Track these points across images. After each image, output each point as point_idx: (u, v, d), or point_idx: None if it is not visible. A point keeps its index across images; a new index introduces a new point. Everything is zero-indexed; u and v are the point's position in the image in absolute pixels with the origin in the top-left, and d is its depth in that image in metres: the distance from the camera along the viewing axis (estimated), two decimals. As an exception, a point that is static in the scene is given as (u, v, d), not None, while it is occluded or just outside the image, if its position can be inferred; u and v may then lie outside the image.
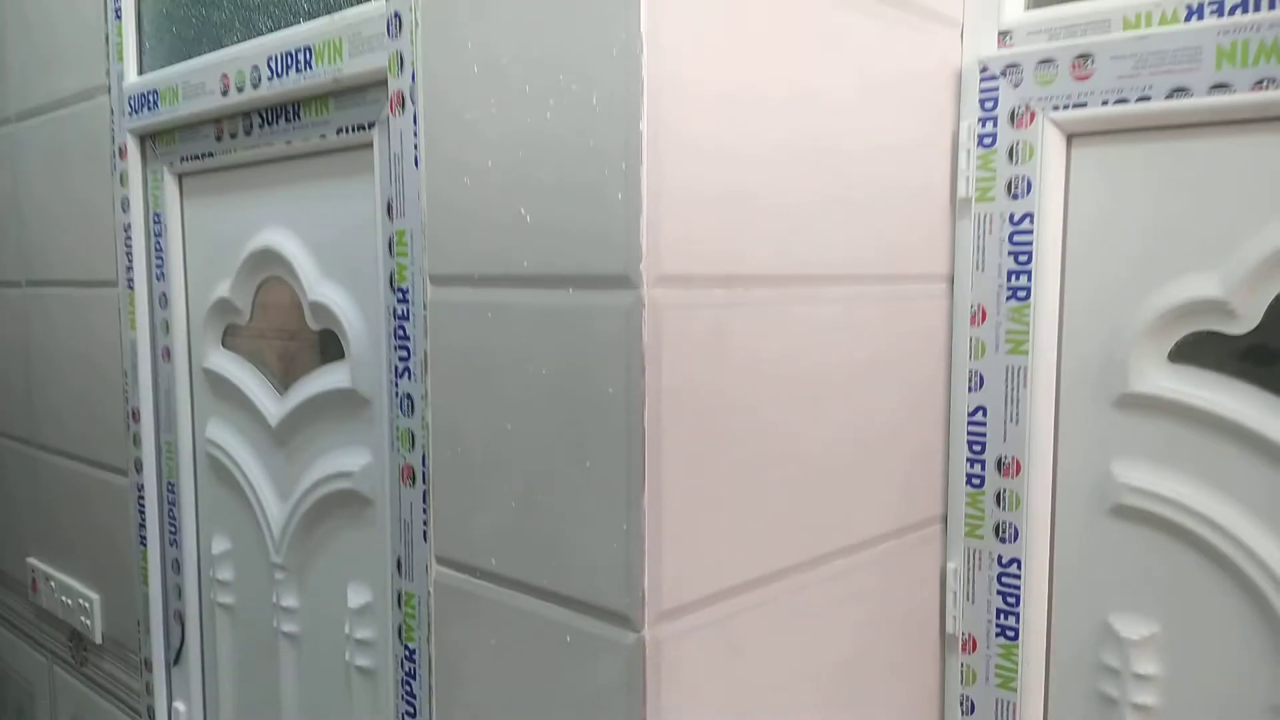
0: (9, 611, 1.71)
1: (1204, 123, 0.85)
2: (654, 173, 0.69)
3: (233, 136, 1.10)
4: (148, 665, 1.32)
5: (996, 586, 1.00)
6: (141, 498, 1.30)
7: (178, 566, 1.29)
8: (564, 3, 0.72)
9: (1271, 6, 0.82)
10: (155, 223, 1.24)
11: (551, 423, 0.77)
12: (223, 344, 1.21)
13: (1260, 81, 0.81)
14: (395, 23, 0.85)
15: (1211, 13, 0.84)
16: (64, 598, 1.50)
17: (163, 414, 1.28)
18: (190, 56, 1.13)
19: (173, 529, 1.29)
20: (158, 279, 1.25)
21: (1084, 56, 0.89)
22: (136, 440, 1.29)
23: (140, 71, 1.22)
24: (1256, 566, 0.86)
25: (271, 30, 1.03)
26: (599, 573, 0.75)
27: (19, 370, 1.56)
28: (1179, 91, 0.85)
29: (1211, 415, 0.87)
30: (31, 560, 1.59)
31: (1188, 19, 0.85)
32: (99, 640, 1.44)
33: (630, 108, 0.69)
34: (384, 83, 0.88)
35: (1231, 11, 0.83)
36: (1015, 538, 0.98)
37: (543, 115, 0.74)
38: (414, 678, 0.93)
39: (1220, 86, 0.83)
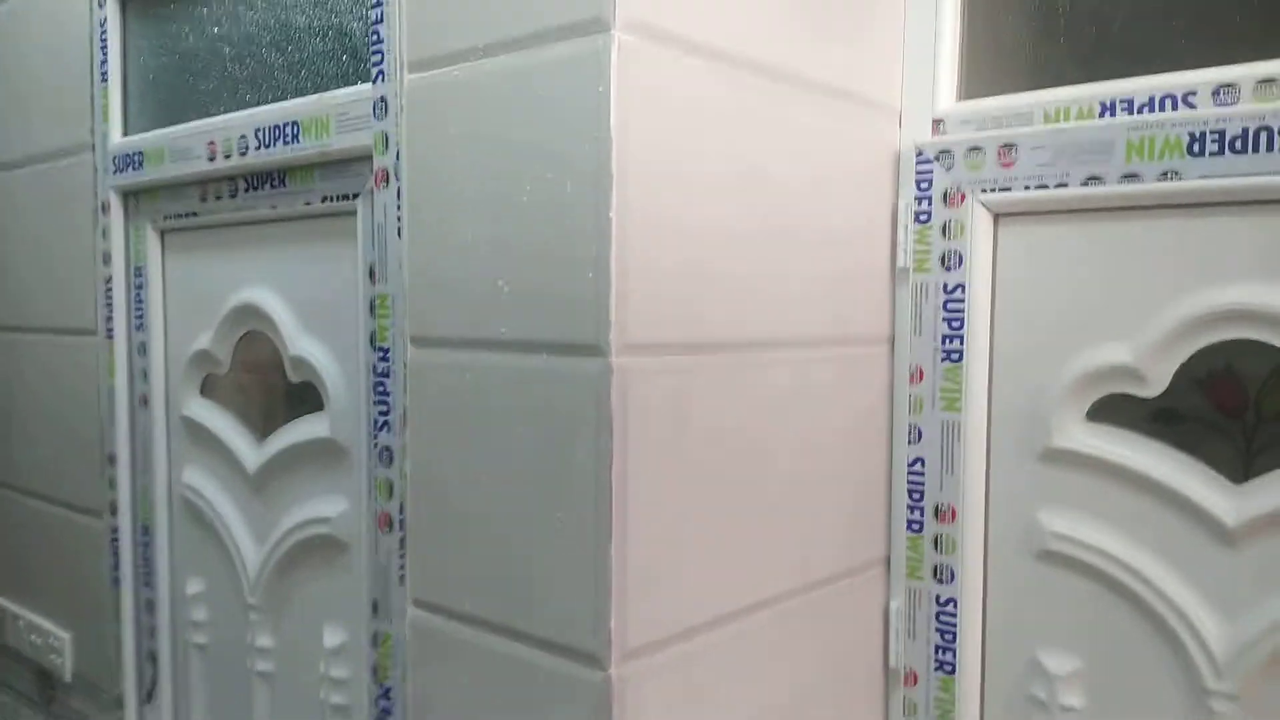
0: (-28, 651, 1.72)
1: (1116, 208, 0.95)
2: (621, 253, 0.77)
3: (217, 198, 1.15)
4: (120, 703, 1.35)
5: (935, 624, 1.08)
6: (116, 540, 1.33)
7: (151, 607, 1.32)
8: (541, 98, 0.80)
9: (1175, 107, 0.92)
10: (136, 275, 1.28)
11: (525, 477, 0.83)
12: (201, 393, 1.26)
13: (1165, 173, 0.91)
14: (382, 106, 0.92)
15: (1122, 110, 0.94)
16: (33, 637, 1.52)
17: (139, 459, 1.32)
18: (175, 121, 1.19)
19: (146, 570, 1.33)
20: (137, 329, 1.29)
21: (1008, 145, 0.98)
22: (112, 484, 1.33)
23: (125, 132, 1.28)
24: (1168, 607, 0.95)
25: (256, 102, 1.09)
26: (569, 616, 0.81)
27: (-8, 413, 1.59)
28: (1093, 179, 0.94)
29: (1125, 470, 0.96)
30: (1, 600, 1.61)
31: (1101, 115, 0.95)
32: (69, 679, 1.46)
33: (601, 194, 0.76)
34: (369, 158, 0.95)
35: (1140, 110, 0.93)
36: (952, 579, 1.06)
37: (520, 197, 0.82)
38: (389, 714, 0.98)
39: (1130, 176, 0.92)
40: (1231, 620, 0.92)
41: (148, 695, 1.35)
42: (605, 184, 0.76)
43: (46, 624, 1.50)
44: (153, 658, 1.33)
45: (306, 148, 1.01)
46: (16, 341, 1.51)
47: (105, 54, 1.28)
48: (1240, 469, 0.92)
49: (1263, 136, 0.86)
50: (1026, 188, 0.98)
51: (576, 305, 0.79)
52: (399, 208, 0.92)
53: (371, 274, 0.96)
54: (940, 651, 1.07)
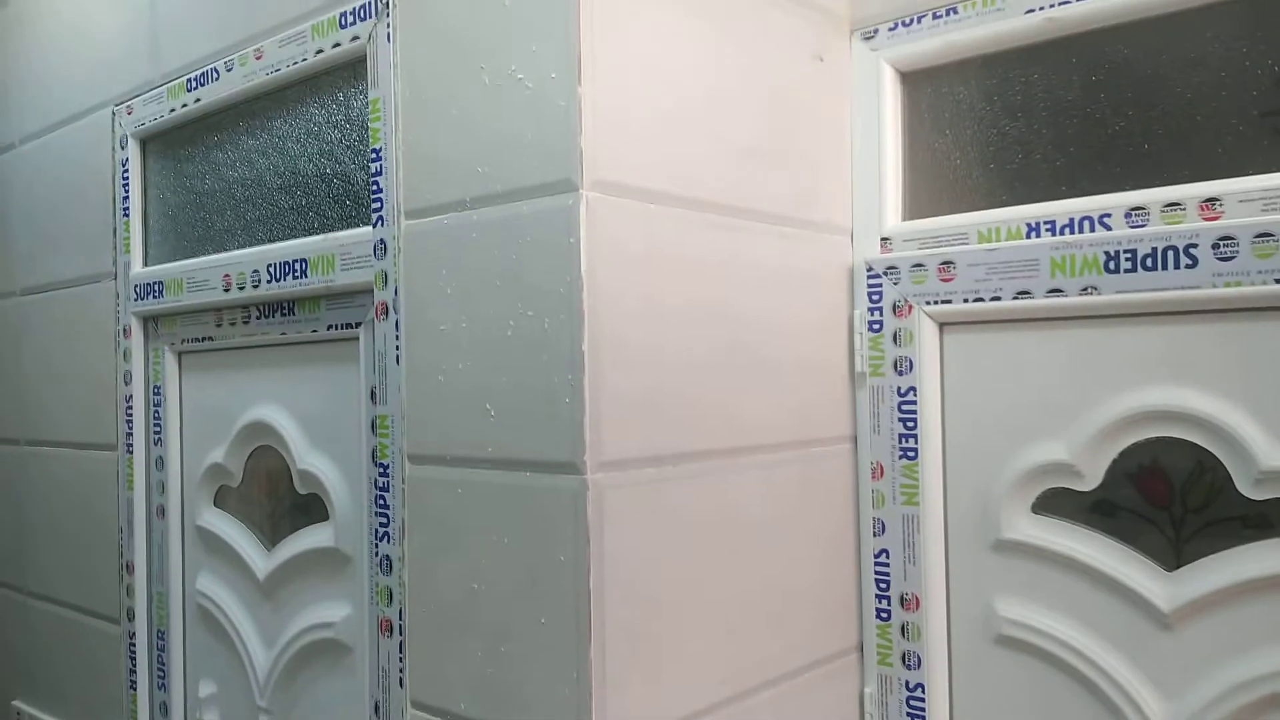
0: (-11, 755, 1.77)
1: (1044, 318, 1.05)
2: (594, 381, 0.86)
3: (231, 325, 1.26)
4: (134, 805, 1.41)
5: (906, 709, 1.14)
6: (133, 644, 1.41)
7: (165, 709, 1.39)
8: (520, 245, 0.90)
9: (1093, 228, 1.02)
10: (155, 394, 1.38)
11: (512, 584, 0.92)
12: (215, 504, 1.34)
13: (1085, 288, 1.01)
14: (381, 247, 1.03)
15: (1046, 231, 1.04)
16: (49, 741, 1.58)
17: (155, 566, 1.40)
18: (193, 253, 1.30)
19: (161, 674, 1.40)
20: (155, 444, 1.39)
21: (948, 263, 1.08)
22: (130, 591, 1.41)
23: (145, 263, 1.39)
24: (1113, 687, 1.02)
25: (268, 239, 1.20)
26: (553, 714, 0.88)
27: (12, 521, 1.67)
28: (1023, 294, 1.04)
29: (1068, 559, 1.04)
30: (17, 703, 1.67)
31: (1028, 235, 1.05)
32: (84, 782, 1.52)
33: (573, 331, 0.86)
34: (370, 292, 1.05)
35: (1062, 230, 1.03)
36: (919, 665, 1.13)
37: (504, 333, 0.91)
38: (392, 811, 1.04)
39: (1055, 291, 1.02)
40: (1171, 699, 0.99)
41: (161, 795, 1.40)
42: (577, 322, 0.86)
43: (64, 727, 1.56)
44: (166, 758, 1.39)
45: (313, 282, 1.11)
46: (39, 455, 1.60)
47: (127, 190, 1.39)
48: (1172, 557, 0.99)
49: (1169, 255, 0.96)
50: (965, 300, 1.08)
51: (555, 428, 0.88)
52: (398, 337, 1.02)
53: (373, 396, 1.06)
54: (912, 734, 1.14)
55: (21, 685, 1.67)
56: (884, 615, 1.16)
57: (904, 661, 1.14)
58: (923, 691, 1.13)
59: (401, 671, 1.03)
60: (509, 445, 0.92)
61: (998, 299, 1.06)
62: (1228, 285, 0.93)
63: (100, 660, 1.47)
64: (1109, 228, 1.01)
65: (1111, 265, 0.99)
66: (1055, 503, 1.06)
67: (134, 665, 1.41)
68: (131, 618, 1.41)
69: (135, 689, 1.40)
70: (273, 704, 1.25)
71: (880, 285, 1.14)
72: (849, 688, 1.17)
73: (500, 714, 0.93)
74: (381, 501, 1.05)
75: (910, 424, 1.13)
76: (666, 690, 0.93)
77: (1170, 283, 0.96)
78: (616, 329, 0.89)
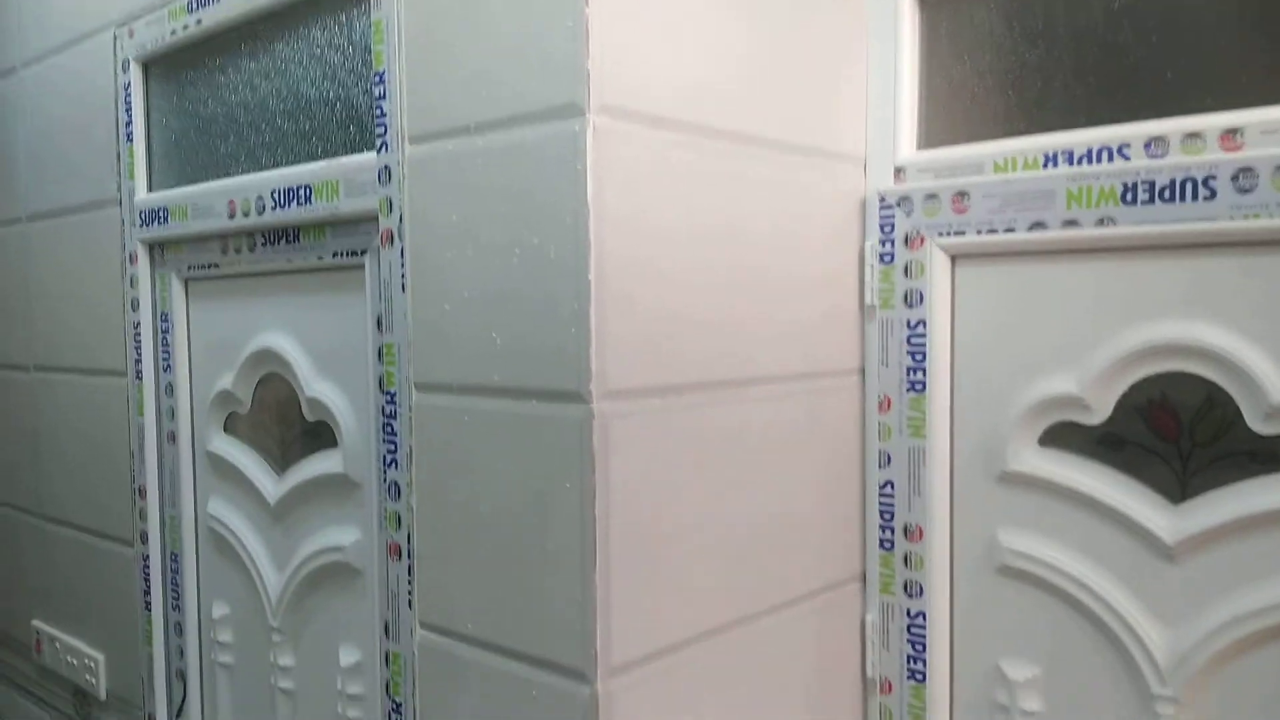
0: (13, 671, 1.82)
1: (1059, 251, 1.03)
2: (600, 309, 0.86)
3: (237, 252, 1.25)
4: (152, 719, 1.45)
5: (907, 636, 1.16)
6: (147, 566, 1.43)
7: (180, 629, 1.42)
8: (526, 172, 0.89)
9: (1110, 159, 1.00)
10: (163, 321, 1.38)
11: (519, 510, 0.92)
12: (225, 430, 1.35)
13: (1101, 219, 0.99)
14: (386, 173, 1.01)
15: (1064, 161, 1.02)
16: (69, 658, 1.62)
17: (167, 491, 1.42)
18: (197, 179, 1.29)
19: (175, 595, 1.42)
20: (164, 371, 1.39)
21: (962, 193, 1.07)
22: (143, 515, 1.43)
23: (150, 188, 1.37)
24: (1115, 618, 1.03)
25: (271, 164, 1.19)
26: (558, 636, 0.90)
27: (27, 448, 1.69)
28: (1037, 225, 1.02)
29: (1074, 491, 1.04)
30: (36, 622, 1.71)
31: (1044, 166, 1.03)
32: (103, 697, 1.56)
33: (579, 259, 0.85)
34: (375, 219, 1.04)
35: (1078, 162, 1.01)
36: (921, 593, 1.14)
37: (510, 260, 0.91)
38: (402, 728, 1.07)
39: (1070, 223, 1.01)
40: (1173, 630, 1.00)
41: (178, 712, 1.44)
42: (583, 250, 0.85)
43: (81, 646, 1.60)
44: (182, 676, 1.43)
45: (318, 209, 1.10)
46: (50, 380, 1.61)
47: (130, 115, 1.38)
48: (1178, 490, 0.99)
49: (1188, 187, 0.94)
50: (979, 232, 1.06)
51: (561, 356, 0.87)
52: (403, 265, 1.01)
53: (379, 324, 1.05)
54: (912, 661, 1.15)
55: (40, 606, 1.70)
56: (887, 545, 1.17)
57: (906, 590, 1.15)
58: (924, 620, 1.14)
59: (410, 594, 1.04)
60: (515, 374, 0.92)
61: (1012, 231, 1.04)
62: (1247, 218, 0.92)
63: (115, 582, 1.50)
64: (1127, 158, 0.99)
65: (1129, 197, 0.97)
66: (1062, 436, 1.06)
67: (148, 587, 1.43)
68: (145, 540, 1.43)
69: (150, 609, 1.43)
70: (285, 624, 1.28)
71: (893, 216, 1.12)
72: (851, 615, 1.19)
73: (507, 636, 0.94)
74: (389, 429, 1.05)
75: (919, 357, 1.12)
76: (670, 614, 0.95)
77: (1188, 215, 0.95)
78: (624, 258, 0.88)
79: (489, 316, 0.93)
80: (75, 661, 1.61)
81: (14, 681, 1.82)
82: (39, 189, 1.59)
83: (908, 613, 1.15)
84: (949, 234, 1.08)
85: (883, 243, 1.13)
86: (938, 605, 1.14)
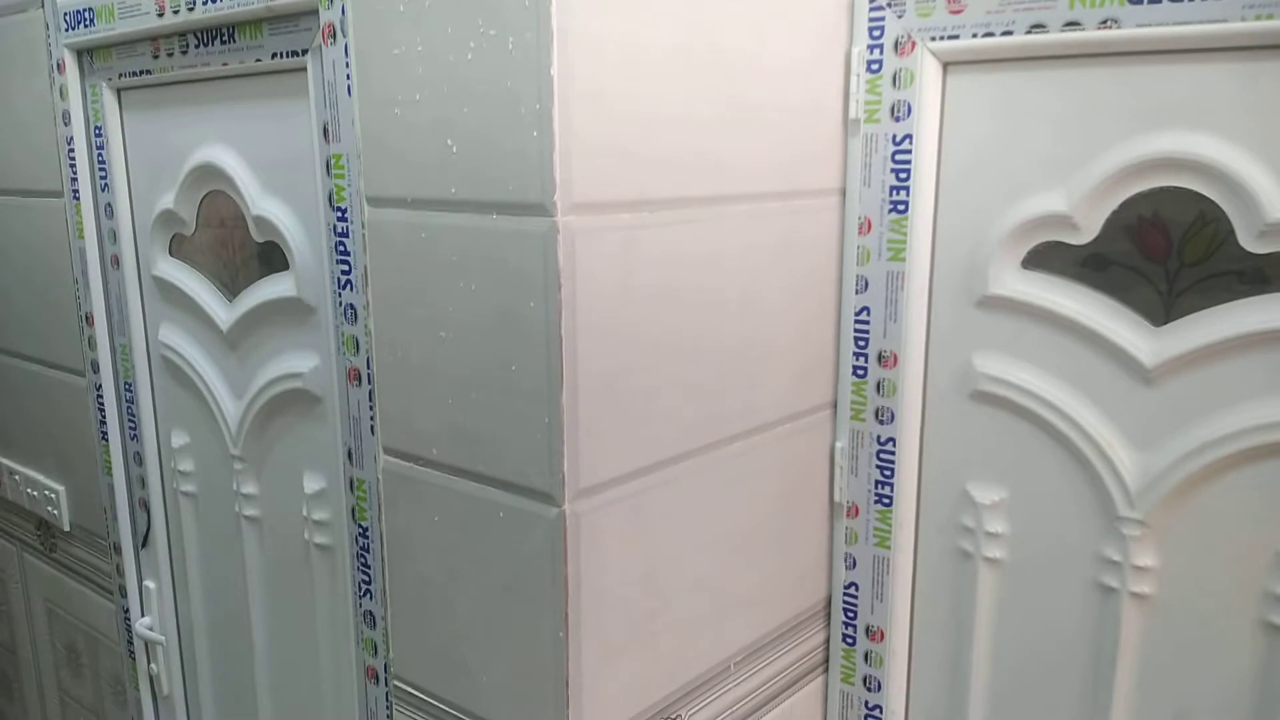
0: (-27, 503, 1.80)
1: (1058, 55, 0.96)
2: (563, 112, 0.79)
3: (169, 55, 1.15)
4: (117, 549, 1.44)
5: (875, 461, 1.15)
6: (100, 396, 1.39)
7: (139, 459, 1.39)
8: (480, -47, 0.80)
9: (1117, -49, 0.92)
10: (97, 135, 1.28)
11: (481, 331, 0.88)
12: (170, 253, 1.28)
13: (1105, 20, 0.92)
14: (325, -40, 0.91)
15: (1067, -45, 0.94)
16: (30, 490, 1.59)
17: (115, 318, 1.36)
18: (122, -27, 1.17)
19: (132, 424, 1.39)
20: (102, 190, 1.31)
21: (956, -7, 0.99)
22: (92, 343, 1.37)
23: (72, -14, 1.25)
24: (1087, 442, 1.02)
25: (203, -46, 1.07)
26: (525, 459, 0.87)
27: (-34, 275, 1.61)
28: (1037, 27, 0.95)
29: (1054, 314, 1.01)
30: (-7, 455, 1.67)
31: (1047, -40, 0.95)
32: (67, 528, 1.54)
33: (541, 54, 0.77)
34: (315, 12, 0.95)
35: (1083, -45, 0.93)
36: (891, 420, 1.13)
37: (464, 56, 0.82)
38: (368, 551, 1.05)
39: (1072, 24, 0.94)
40: (1145, 454, 0.99)
41: (143, 541, 1.43)
42: (546, 43, 0.77)
43: (41, 478, 1.57)
44: (145, 506, 1.41)
45: (252, 1, 1.00)
46: (-17, 204, 1.52)
47: (42, -98, 1.24)
48: (1161, 312, 0.97)
49: (1201, -16, 0.87)
50: (974, 35, 0.99)
51: (522, 165, 0.81)
52: (348, 64, 0.92)
53: (325, 133, 0.98)
54: (879, 486, 1.15)
55: (-3, 438, 1.67)
56: (860, 372, 1.14)
57: (877, 417, 1.14)
58: (893, 446, 1.13)
59: (372, 420, 1.01)
60: (473, 185, 0.85)
61: (1009, 34, 0.97)
62: (1259, 18, 0.85)
63: (70, 413, 1.46)
64: (1138, -48, 0.91)
65: (1136, -4, 0.90)
66: (1046, 257, 1.02)
67: (103, 417, 1.39)
68: (96, 369, 1.38)
69: (107, 440, 1.40)
70: (246, 453, 1.25)
71: (882, 19, 1.04)
72: (820, 442, 1.17)
73: (471, 460, 0.92)
74: (341, 248, 0.99)
75: (903, 175, 1.06)
76: (639, 438, 0.92)
77: (1195, 15, 0.88)
78: (592, 56, 0.80)
79: (443, 122, 0.86)
80: (36, 494, 1.58)
81: (-23, 513, 1.80)
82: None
83: (878, 439, 1.14)
84: (942, 38, 1.01)
85: (870, 49, 1.05)
86: (908, 431, 1.12)
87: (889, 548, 1.15)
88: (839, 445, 1.17)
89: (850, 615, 1.20)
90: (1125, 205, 0.96)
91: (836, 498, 1.18)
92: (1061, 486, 1.04)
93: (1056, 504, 1.05)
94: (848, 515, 1.18)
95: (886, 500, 1.14)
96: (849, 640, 1.20)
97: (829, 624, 1.22)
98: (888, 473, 1.14)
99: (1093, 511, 1.03)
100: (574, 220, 0.81)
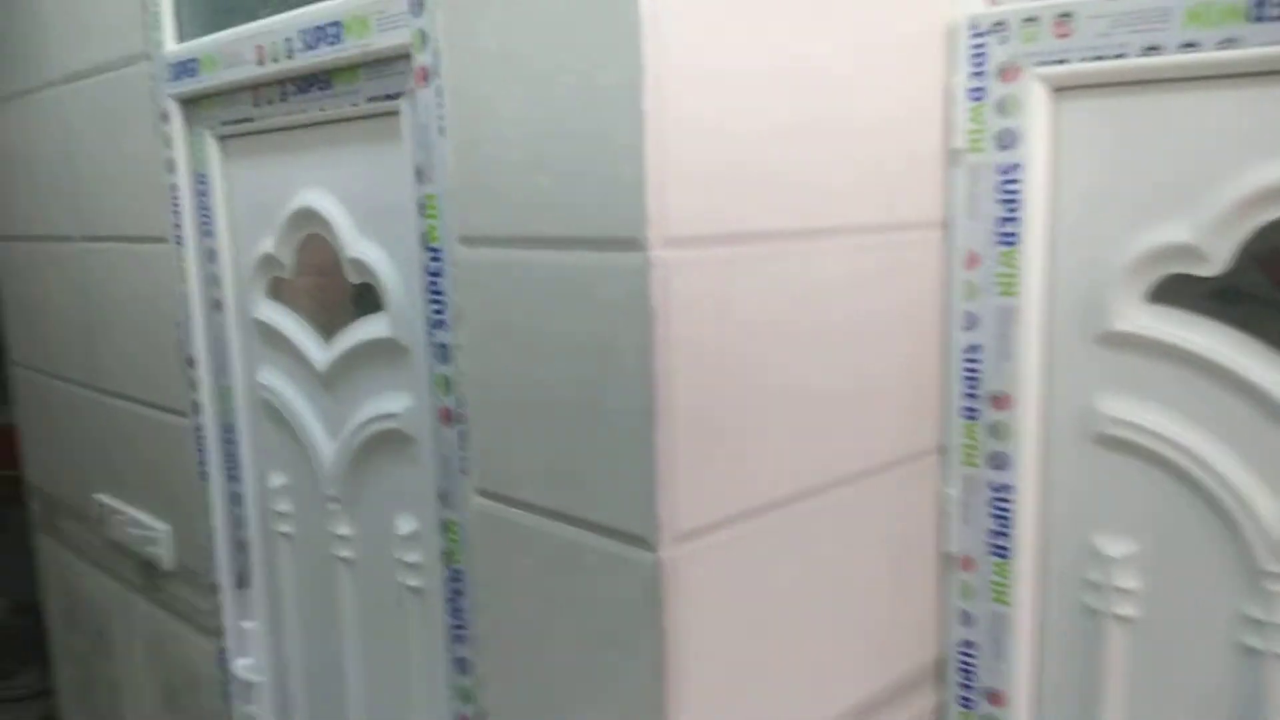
0: (84, 544, 1.85)
1: (1175, 79, 0.90)
2: (657, 146, 0.76)
3: (269, 103, 1.17)
4: (216, 589, 1.45)
5: (991, 510, 1.08)
6: (201, 437, 1.41)
7: (238, 499, 1.41)
8: (574, -12, 0.78)
9: (1243, -35, 0.86)
10: (200, 182, 1.32)
11: (574, 369, 0.86)
12: (269, 296, 1.30)
13: (1224, 40, 0.86)
14: (417, 3, 0.92)
15: (1186, -29, 0.89)
16: (133, 530, 1.63)
17: (216, 361, 1.38)
18: (225, 25, 1.20)
19: (231, 465, 1.41)
20: (205, 235, 1.34)
21: (1065, 15, 0.93)
22: (194, 385, 1.40)
23: (179, 39, 1.29)
24: (1224, 489, 0.94)
25: (302, 4, 1.09)
26: (620, 501, 0.84)
27: (78, 320, 1.67)
28: (1152, 49, 0.90)
29: (1184, 351, 0.94)
30: (98, 497, 1.72)
31: (1164, -23, 0.90)
32: (169, 567, 1.57)
33: (633, 88, 0.75)
34: (409, 57, 0.95)
35: (1204, -30, 0.88)
36: (1008, 465, 1.06)
37: (554, 93, 0.81)
38: (460, 595, 1.03)
39: (1189, 45, 0.88)
40: (1290, 500, 0.91)
41: (241, 581, 1.44)
42: (637, 77, 0.75)
43: (145, 518, 1.61)
44: (243, 546, 1.42)
45: (349, 47, 1.01)
46: (94, 251, 1.58)
47: (154, -40, 1.29)
48: (1304, 348, 0.89)
49: (1340, -5, 0.81)
50: (1084, 59, 0.94)
51: (615, 200, 0.79)
52: (440, 106, 0.92)
53: (419, 174, 0.97)
54: (995, 536, 1.08)
55: (102, 479, 1.71)
56: (971, 414, 1.08)
57: (991, 462, 1.07)
58: (1010, 493, 1.06)
59: (464, 460, 0.99)
60: (565, 222, 0.84)
61: (1121, 56, 0.91)
62: None
63: (173, 454, 1.49)
64: (1263, -34, 0.85)
65: (1256, 13, 0.84)
66: (1173, 291, 0.95)
67: (204, 457, 1.42)
68: (198, 411, 1.40)
69: (207, 480, 1.42)
70: (341, 493, 1.25)
71: (985, 45, 1.00)
72: (928, 489, 1.11)
73: (565, 501, 0.89)
74: (435, 287, 0.99)
75: (1012, 206, 1.01)
76: (736, 481, 0.88)
77: (1336, 29, 0.81)
78: (685, 88, 0.78)
79: (535, 160, 0.84)
80: (139, 534, 1.62)
81: (85, 553, 1.86)
82: (69, 50, 1.52)
83: (992, 486, 1.08)
84: (1050, 63, 0.96)
85: (973, 76, 1.01)
86: (1026, 477, 1.05)
87: (1008, 603, 1.08)
88: (950, 492, 1.11)
89: (968, 676, 1.12)
90: (1257, 235, 0.89)
91: (948, 548, 1.12)
92: (1198, 538, 0.96)
93: (1193, 557, 0.97)
94: (962, 568, 1.11)
95: (1003, 552, 1.07)
96: (967, 703, 1.13)
97: (941, 685, 1.15)
98: (1004, 522, 1.07)
99: (1233, 565, 0.94)
100: (669, 255, 0.79)
